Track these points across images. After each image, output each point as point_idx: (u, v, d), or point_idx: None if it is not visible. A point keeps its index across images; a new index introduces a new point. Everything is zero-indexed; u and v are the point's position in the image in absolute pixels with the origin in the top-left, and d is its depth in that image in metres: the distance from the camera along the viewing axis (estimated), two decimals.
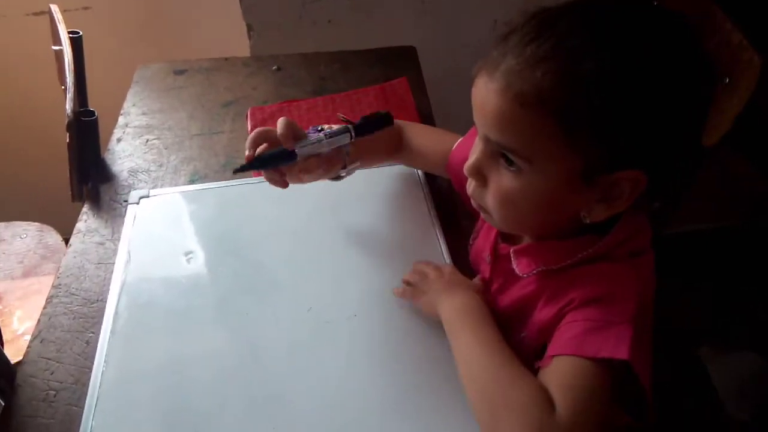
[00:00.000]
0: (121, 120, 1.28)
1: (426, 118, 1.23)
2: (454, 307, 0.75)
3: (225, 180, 1.10)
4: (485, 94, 0.60)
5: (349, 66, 1.40)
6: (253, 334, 0.83)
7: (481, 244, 0.87)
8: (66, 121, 1.05)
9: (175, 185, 1.11)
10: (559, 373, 0.61)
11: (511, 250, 0.75)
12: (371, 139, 0.89)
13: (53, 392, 0.80)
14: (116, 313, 0.87)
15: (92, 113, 1.13)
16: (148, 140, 1.23)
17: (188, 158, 1.18)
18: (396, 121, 1.01)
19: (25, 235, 1.70)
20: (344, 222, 0.99)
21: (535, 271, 0.72)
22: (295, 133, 0.80)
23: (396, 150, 1.00)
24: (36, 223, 1.72)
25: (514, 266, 0.74)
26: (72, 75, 1.12)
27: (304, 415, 0.74)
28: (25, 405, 0.78)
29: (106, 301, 0.90)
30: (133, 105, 1.32)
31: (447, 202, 1.03)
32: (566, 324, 0.65)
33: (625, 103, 0.56)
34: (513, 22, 0.60)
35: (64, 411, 0.78)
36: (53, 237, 1.68)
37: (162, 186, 1.11)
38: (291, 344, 0.82)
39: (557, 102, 0.56)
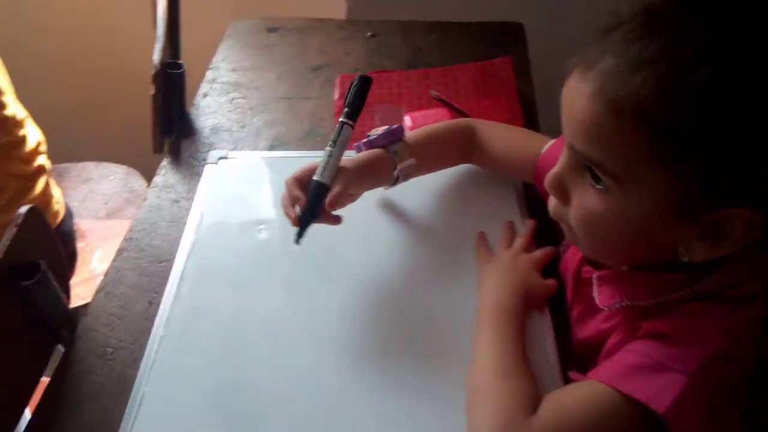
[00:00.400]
0: (209, 74, 1.26)
1: (528, 104, 1.13)
2: (493, 300, 0.73)
3: (306, 149, 1.05)
4: (575, 95, 0.53)
5: (448, 38, 1.30)
6: (316, 322, 0.79)
7: (568, 260, 0.78)
8: (153, 72, 1.03)
9: (256, 149, 1.07)
10: (574, 390, 0.59)
11: (594, 276, 0.66)
12: (433, 138, 0.85)
13: (111, 350, 0.79)
14: (182, 277, 0.85)
15: (180, 66, 1.10)
16: (233, 98, 1.20)
17: (272, 122, 1.14)
18: (468, 120, 0.94)
19: (112, 177, 1.75)
20: (424, 213, 0.92)
21: (618, 305, 0.62)
22: (302, 179, 0.77)
23: (467, 152, 0.92)
24: (124, 167, 1.76)
25: (595, 295, 0.65)
26: (164, 25, 1.10)
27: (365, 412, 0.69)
28: (83, 359, 0.78)
29: (173, 262, 0.87)
30: (223, 60, 1.29)
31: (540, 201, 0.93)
32: (621, 352, 0.58)
33: (743, 125, 0.46)
34: (619, 13, 0.51)
35: (120, 371, 0.76)
36: (139, 182, 1.72)
37: (242, 148, 1.08)
38: (352, 337, 0.77)
39: (658, 115, 0.47)
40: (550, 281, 0.77)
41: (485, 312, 0.72)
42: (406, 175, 0.86)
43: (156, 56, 1.06)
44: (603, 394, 0.55)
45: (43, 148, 1.37)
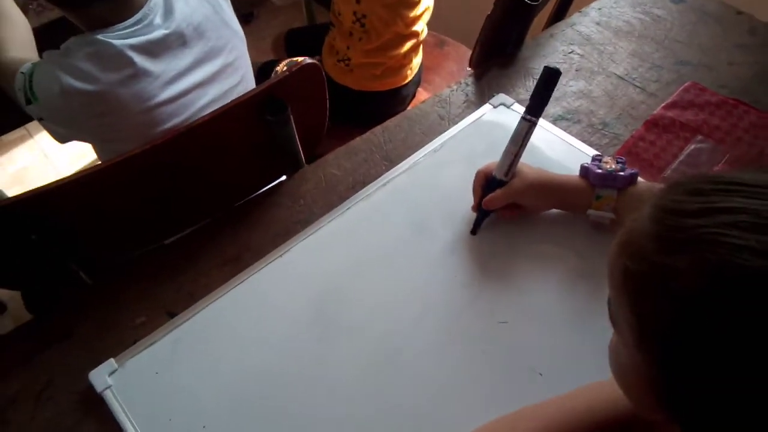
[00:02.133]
0: (575, 17, 1.17)
1: None
2: None
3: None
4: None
5: None
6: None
7: None
8: None
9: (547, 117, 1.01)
10: None
11: None
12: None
13: None
14: None
15: None
16: (572, 51, 1.11)
17: (584, 94, 1.04)
18: None
19: None
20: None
21: None
22: (488, 173, 0.81)
23: None
24: None
25: None
26: None
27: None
28: None
29: None
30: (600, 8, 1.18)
31: None
32: None
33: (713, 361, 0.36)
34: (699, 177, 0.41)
35: None
36: None
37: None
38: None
39: (643, 301, 0.40)
40: None
41: None
42: (597, 224, 0.79)
43: None
44: None
45: (426, 16, 1.50)
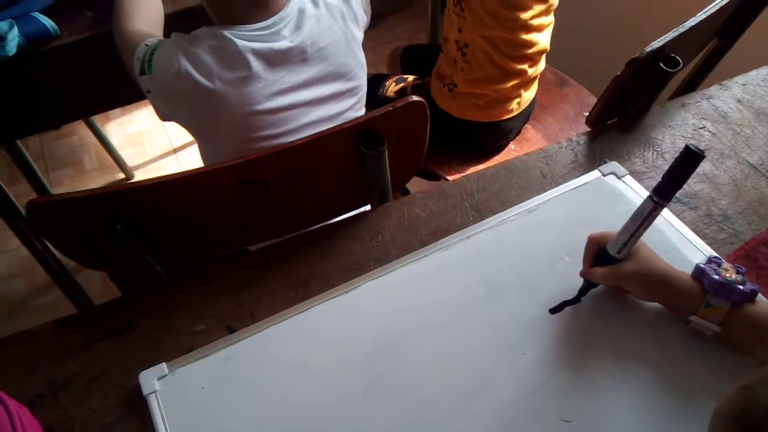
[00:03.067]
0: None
1: None
2: None
3: None
4: None
5: None
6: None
7: None
8: (638, 56, 0.93)
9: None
10: None
11: None
12: None
13: None
14: None
15: (677, 63, 0.96)
16: (703, 127, 1.01)
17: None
18: None
19: None
20: None
21: None
22: (601, 242, 0.75)
23: None
24: None
25: None
26: None
27: None
28: None
29: None
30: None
31: None
32: None
33: None
34: None
35: None
36: None
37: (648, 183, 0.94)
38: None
39: None
40: None
41: None
42: (698, 333, 0.71)
43: (658, 43, 0.95)
44: None
45: (540, 58, 1.43)
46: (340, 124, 0.80)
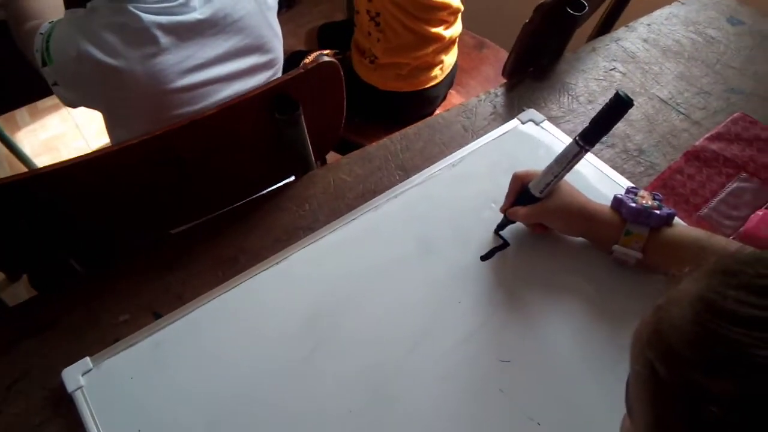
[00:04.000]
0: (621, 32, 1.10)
1: None
2: None
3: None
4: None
5: None
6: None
7: None
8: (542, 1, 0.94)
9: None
10: None
11: None
12: (691, 250, 0.65)
13: None
14: None
15: (583, 7, 0.98)
16: (614, 69, 1.04)
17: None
18: None
19: None
20: None
21: None
22: (524, 179, 0.76)
23: None
24: None
25: None
26: None
27: None
28: None
29: None
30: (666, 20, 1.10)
31: None
32: None
33: None
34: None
35: None
36: None
37: (568, 127, 0.96)
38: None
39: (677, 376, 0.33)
40: None
41: None
42: (622, 261, 0.73)
43: None
44: None
45: (455, 19, 1.42)
46: (251, 90, 0.77)
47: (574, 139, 0.68)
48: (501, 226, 0.80)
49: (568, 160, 0.69)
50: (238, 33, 0.90)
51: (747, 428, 0.28)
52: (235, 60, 0.92)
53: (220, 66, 0.90)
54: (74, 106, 0.91)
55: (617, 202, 0.73)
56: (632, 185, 0.81)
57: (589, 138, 0.67)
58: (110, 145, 0.97)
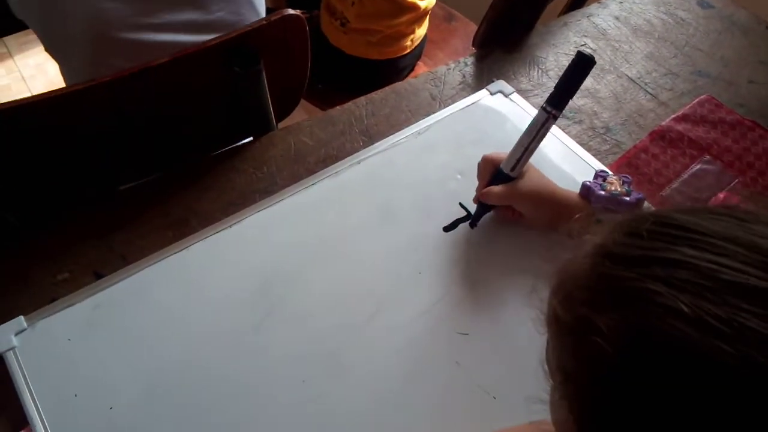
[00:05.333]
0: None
1: None
2: None
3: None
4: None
5: None
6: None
7: None
8: None
9: None
10: None
11: None
12: None
13: None
14: None
15: None
16: (584, 44, 1.02)
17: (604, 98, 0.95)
18: None
19: None
20: None
21: None
22: (495, 161, 0.72)
23: None
24: None
25: None
26: None
27: None
28: None
29: None
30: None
31: None
32: None
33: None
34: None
35: None
36: None
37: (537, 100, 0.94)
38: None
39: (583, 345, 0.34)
40: None
41: None
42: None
43: None
44: None
45: None
46: (205, 42, 0.72)
47: (542, 106, 0.66)
48: (477, 216, 0.76)
49: (537, 128, 0.67)
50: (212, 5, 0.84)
51: (627, 360, 0.31)
52: (195, 34, 0.86)
53: (185, 36, 0.84)
54: (16, 15, 0.84)
55: (586, 189, 0.71)
56: (603, 169, 0.80)
57: (555, 102, 0.65)
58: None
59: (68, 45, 0.82)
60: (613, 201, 0.68)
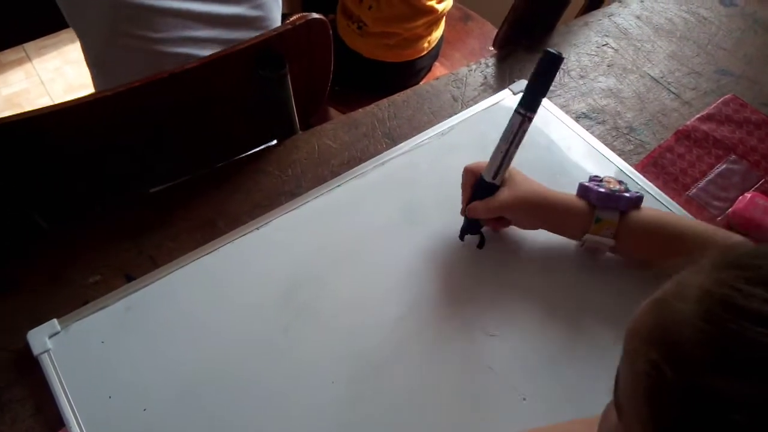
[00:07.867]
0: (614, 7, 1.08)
1: None
2: None
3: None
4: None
5: None
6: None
7: None
8: None
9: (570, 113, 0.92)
10: None
11: None
12: (661, 233, 0.66)
13: None
14: None
15: None
16: (606, 44, 1.02)
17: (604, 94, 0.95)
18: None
19: None
20: None
21: None
22: (476, 172, 0.71)
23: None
24: None
25: None
26: None
27: None
28: None
29: None
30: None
31: None
32: None
33: None
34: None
35: None
36: None
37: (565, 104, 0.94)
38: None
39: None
40: None
41: None
42: (594, 250, 0.71)
43: None
44: None
45: None
46: (234, 45, 0.73)
47: (515, 109, 0.65)
48: (463, 231, 0.74)
49: (513, 133, 0.65)
50: None
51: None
52: (219, 4, 0.86)
53: (198, 3, 0.84)
54: None
55: (583, 189, 0.69)
56: (595, 174, 0.78)
57: (528, 104, 0.64)
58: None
59: (88, 12, 0.82)
60: (614, 198, 0.66)
